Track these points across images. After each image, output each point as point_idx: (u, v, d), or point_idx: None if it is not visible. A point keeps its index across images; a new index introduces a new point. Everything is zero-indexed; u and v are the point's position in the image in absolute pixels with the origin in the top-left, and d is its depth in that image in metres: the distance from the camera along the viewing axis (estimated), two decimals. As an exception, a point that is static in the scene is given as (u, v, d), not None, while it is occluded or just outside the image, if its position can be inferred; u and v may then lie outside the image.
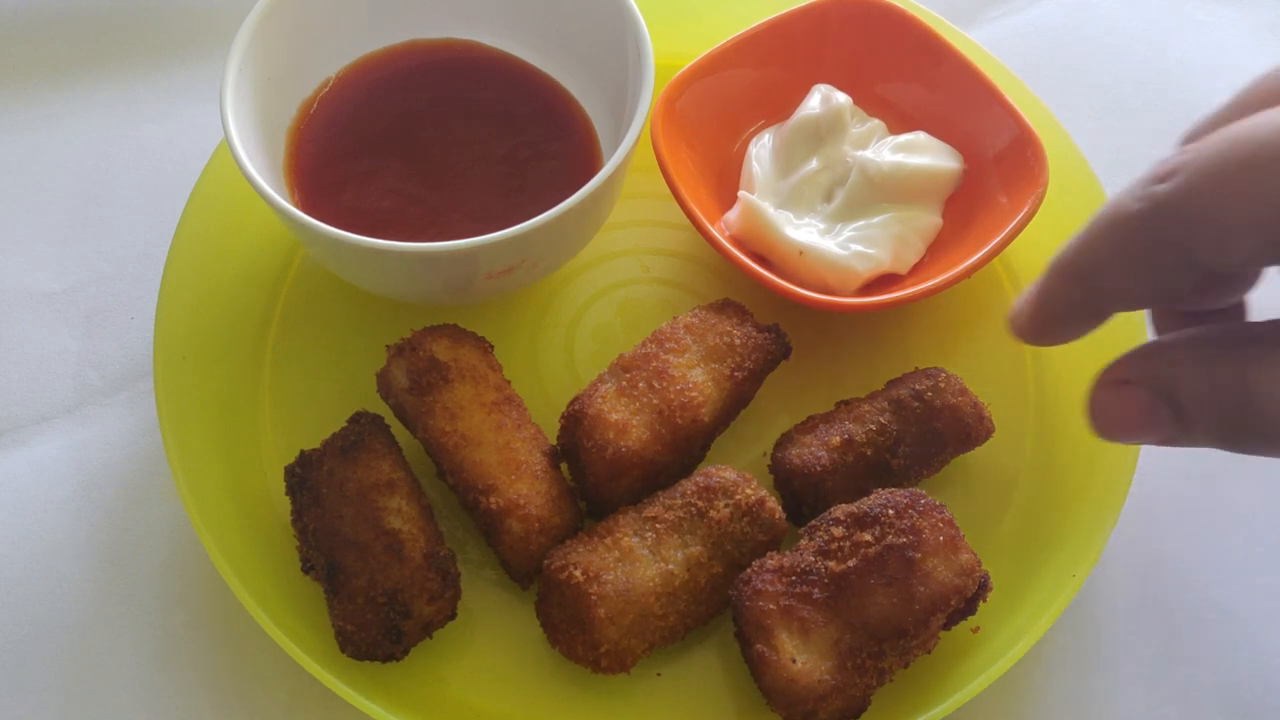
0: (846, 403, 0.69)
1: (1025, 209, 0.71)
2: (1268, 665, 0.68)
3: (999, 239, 0.71)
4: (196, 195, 0.75)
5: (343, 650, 0.61)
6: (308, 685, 0.65)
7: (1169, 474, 0.73)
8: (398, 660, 0.62)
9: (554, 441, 0.67)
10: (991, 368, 0.74)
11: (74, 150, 0.85)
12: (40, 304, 0.79)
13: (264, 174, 0.65)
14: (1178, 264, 0.43)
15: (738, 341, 0.68)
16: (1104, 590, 0.70)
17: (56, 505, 0.72)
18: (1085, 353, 0.73)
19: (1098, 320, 0.48)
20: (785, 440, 0.68)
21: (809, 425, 0.68)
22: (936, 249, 0.76)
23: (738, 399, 0.68)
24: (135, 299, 0.79)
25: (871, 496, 0.62)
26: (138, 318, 0.78)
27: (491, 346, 0.68)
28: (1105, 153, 0.80)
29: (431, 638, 0.64)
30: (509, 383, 0.67)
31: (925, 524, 0.60)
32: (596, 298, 0.77)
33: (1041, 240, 0.75)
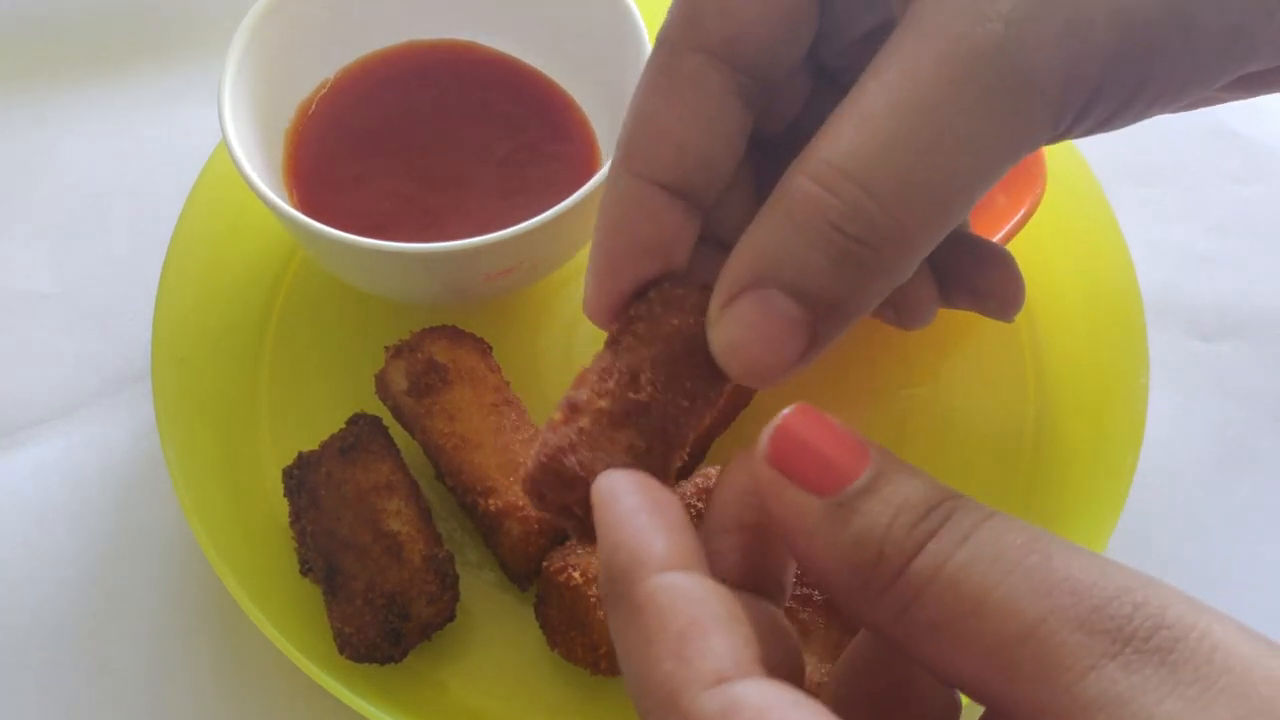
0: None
1: (1024, 209, 0.71)
2: (1268, 665, 0.68)
3: (997, 239, 0.71)
4: (194, 197, 0.75)
5: (341, 652, 0.61)
6: (306, 687, 0.65)
7: (1169, 474, 0.73)
8: (396, 662, 0.62)
9: (553, 443, 0.67)
10: (991, 368, 0.74)
11: (70, 151, 0.85)
12: (36, 306, 0.79)
13: (262, 175, 0.65)
14: None
15: (737, 342, 0.68)
16: (1104, 590, 0.69)
17: (53, 507, 0.72)
18: (1085, 353, 0.74)
19: None
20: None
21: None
22: (935, 249, 0.75)
23: (737, 400, 0.68)
24: (132, 300, 0.78)
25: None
26: (135, 319, 0.78)
27: (490, 348, 0.68)
28: (1105, 153, 0.80)
29: (430, 640, 0.63)
30: (508, 384, 0.67)
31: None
32: (595, 298, 0.76)
33: (1040, 240, 0.75)
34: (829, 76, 0.43)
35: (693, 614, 0.31)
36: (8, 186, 0.84)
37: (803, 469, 0.33)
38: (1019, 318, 0.75)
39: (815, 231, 0.33)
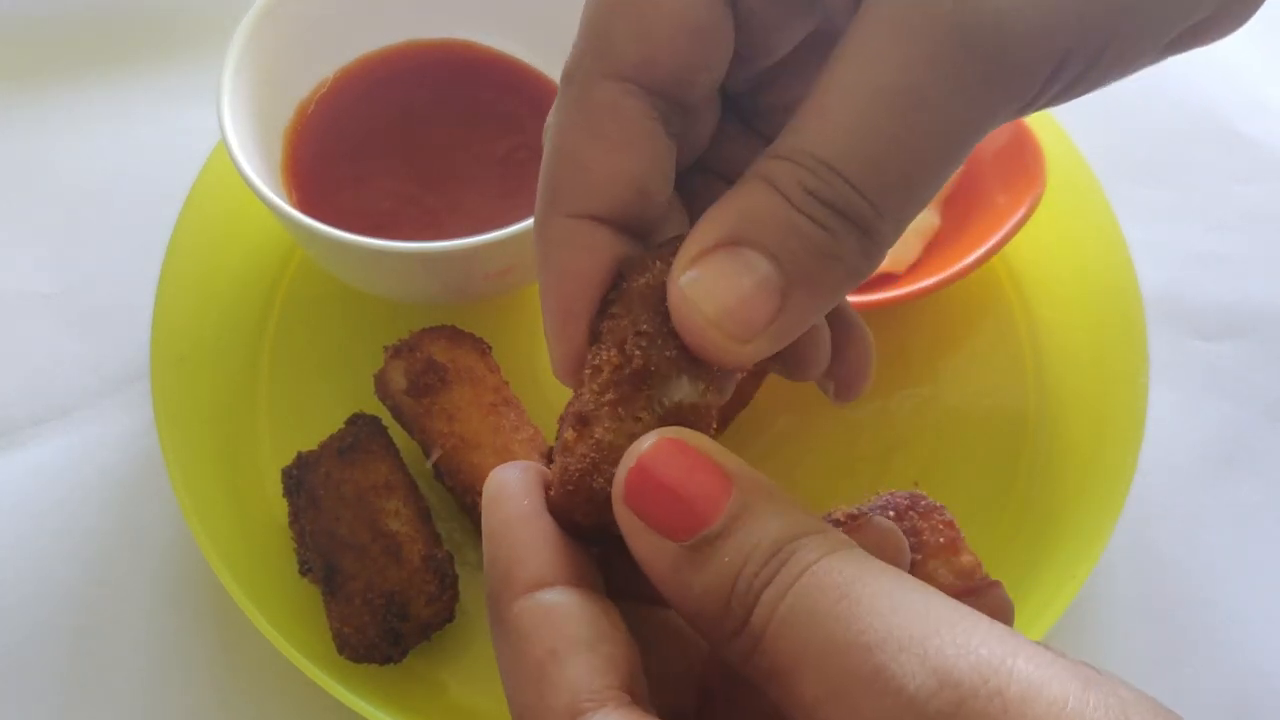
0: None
1: (1024, 208, 0.71)
2: (1268, 665, 0.68)
3: (997, 238, 0.71)
4: (193, 196, 0.75)
5: (340, 653, 0.61)
6: (305, 688, 0.64)
7: (1169, 474, 0.73)
8: (396, 663, 0.62)
9: (552, 443, 0.67)
10: (990, 367, 0.74)
11: (70, 151, 0.85)
12: (36, 306, 0.79)
13: (261, 175, 0.65)
14: None
15: (736, 342, 0.68)
16: (1104, 590, 0.69)
17: (52, 508, 0.72)
18: (1085, 353, 0.74)
19: None
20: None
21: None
22: (934, 248, 0.75)
23: (736, 400, 0.68)
24: (132, 300, 0.78)
25: (871, 499, 0.62)
26: (134, 319, 0.78)
27: (490, 347, 0.68)
28: (1105, 152, 0.80)
29: (430, 640, 0.63)
30: (507, 384, 0.67)
31: (925, 525, 0.60)
32: (595, 298, 0.76)
33: (1040, 239, 0.75)
34: (736, 108, 0.42)
35: (553, 642, 0.32)
36: (8, 186, 0.84)
37: (656, 513, 0.32)
38: (1019, 318, 0.76)
39: (797, 199, 0.33)
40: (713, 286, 0.33)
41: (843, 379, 0.44)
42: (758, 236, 0.33)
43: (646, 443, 0.33)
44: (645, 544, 0.32)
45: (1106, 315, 0.73)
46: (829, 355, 0.43)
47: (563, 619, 0.32)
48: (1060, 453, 0.71)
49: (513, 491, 0.35)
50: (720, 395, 0.36)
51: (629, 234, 0.37)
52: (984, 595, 0.38)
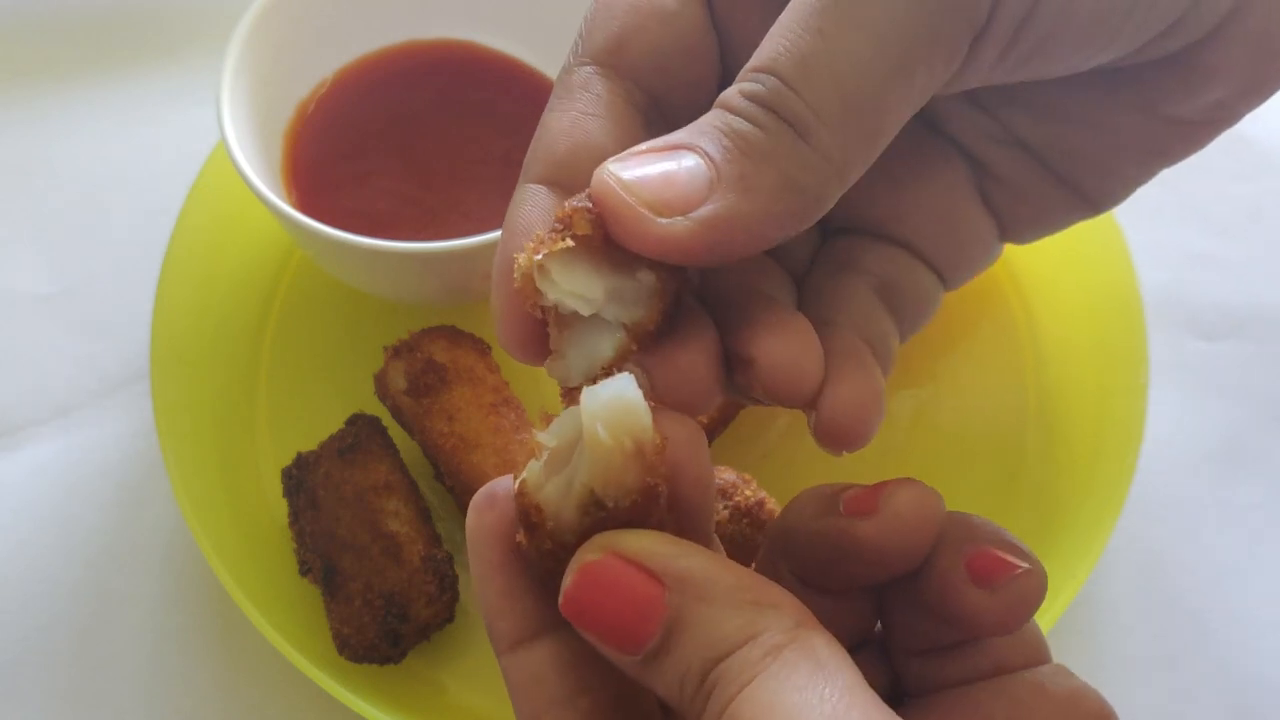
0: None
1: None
2: (1268, 665, 0.68)
3: (998, 239, 0.71)
4: (193, 197, 0.75)
5: (340, 653, 0.61)
6: (305, 688, 0.64)
7: (1169, 474, 0.73)
8: (395, 663, 0.62)
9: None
10: (990, 367, 0.74)
11: (69, 152, 0.85)
12: (35, 306, 0.79)
13: (261, 175, 0.65)
14: None
15: (736, 342, 0.68)
16: (1104, 590, 0.69)
17: (52, 508, 0.72)
18: (1085, 353, 0.74)
19: None
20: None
21: None
22: (935, 249, 0.75)
23: (737, 401, 0.68)
24: (131, 301, 0.78)
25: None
26: (134, 319, 0.78)
27: (489, 348, 0.68)
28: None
29: (429, 640, 0.63)
30: (507, 384, 0.67)
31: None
32: (595, 299, 0.76)
33: (1040, 240, 0.75)
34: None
35: (533, 705, 0.34)
36: (8, 186, 0.84)
37: (597, 635, 0.33)
38: (1019, 318, 0.76)
39: (736, 104, 0.33)
40: (637, 165, 0.33)
41: (824, 418, 0.37)
42: (695, 140, 0.33)
43: (569, 578, 0.33)
44: (603, 651, 0.33)
45: (1106, 315, 0.73)
46: (815, 372, 0.37)
47: (540, 680, 0.34)
48: (1060, 453, 0.71)
49: (486, 537, 0.35)
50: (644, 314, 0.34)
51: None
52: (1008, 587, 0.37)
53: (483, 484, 0.62)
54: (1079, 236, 0.76)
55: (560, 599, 0.33)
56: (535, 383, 0.73)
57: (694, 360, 0.35)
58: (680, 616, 0.32)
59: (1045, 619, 0.64)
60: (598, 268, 0.34)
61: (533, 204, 0.36)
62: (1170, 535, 0.72)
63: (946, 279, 0.42)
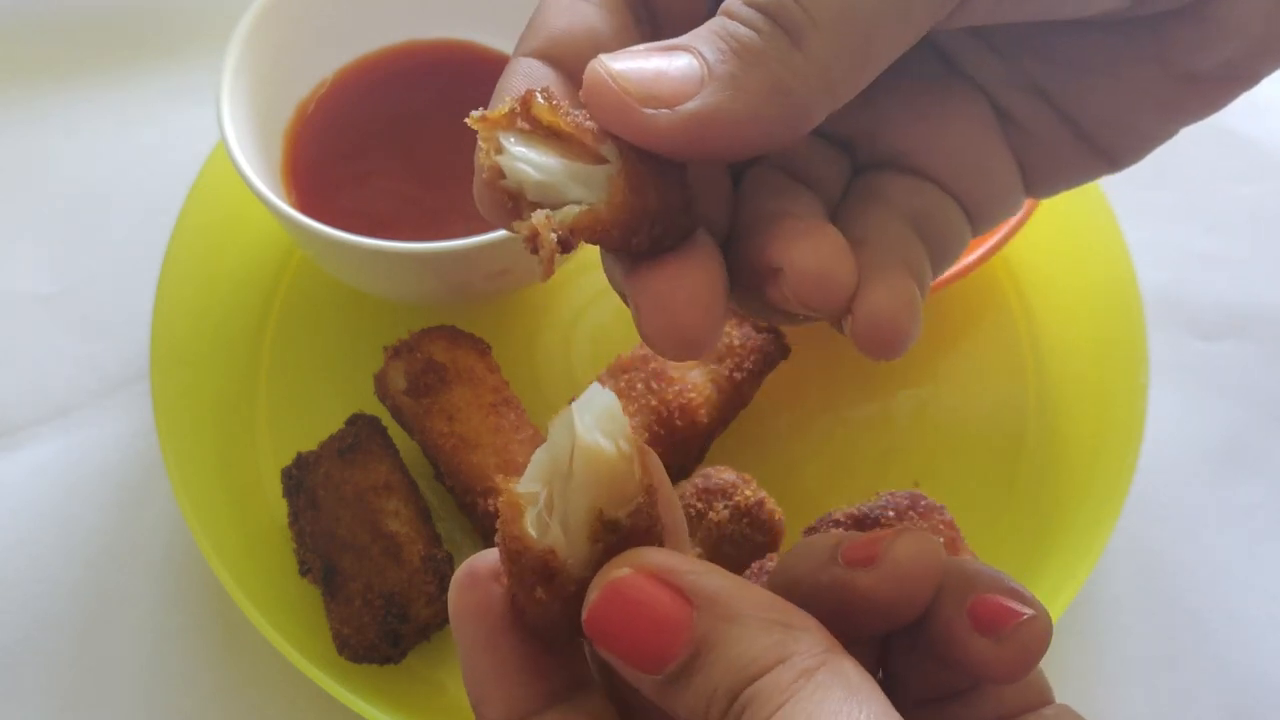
0: None
1: (1023, 208, 0.71)
2: (1268, 665, 0.68)
3: (996, 238, 0.71)
4: (193, 197, 0.75)
5: (340, 653, 0.61)
6: (305, 688, 0.64)
7: (1169, 474, 0.73)
8: (395, 663, 0.62)
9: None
10: (991, 367, 0.74)
11: (69, 152, 0.85)
12: (35, 306, 0.79)
13: (261, 175, 0.65)
14: None
15: (736, 342, 0.68)
16: (1104, 590, 0.69)
17: (52, 507, 0.72)
18: (1085, 353, 0.74)
19: None
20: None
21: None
22: (935, 249, 0.75)
23: (736, 400, 0.68)
24: (131, 301, 0.78)
25: (871, 499, 0.62)
26: (134, 319, 0.78)
27: (489, 348, 0.68)
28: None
29: (429, 640, 0.63)
30: (507, 384, 0.67)
31: (925, 525, 0.60)
32: (594, 299, 0.76)
33: (1040, 239, 0.75)
34: None
35: None
36: (8, 186, 0.84)
37: (620, 654, 0.32)
38: (1019, 318, 0.76)
39: (734, 8, 0.33)
40: (630, 59, 0.33)
41: (861, 320, 0.36)
42: (691, 42, 0.33)
43: (594, 592, 0.33)
44: (623, 672, 0.33)
45: (1106, 315, 0.73)
46: (847, 278, 0.35)
47: None
48: (1060, 453, 0.71)
49: (471, 618, 0.35)
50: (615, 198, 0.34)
51: (565, 70, 0.37)
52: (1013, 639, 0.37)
53: (483, 484, 0.63)
54: (1079, 236, 0.76)
55: (585, 616, 0.33)
56: (535, 382, 0.73)
57: (693, 280, 0.34)
58: (708, 636, 0.32)
59: (1045, 619, 0.64)
60: (559, 150, 0.34)
61: (524, 75, 0.37)
62: (1170, 535, 0.72)
63: (973, 218, 0.42)
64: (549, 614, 0.34)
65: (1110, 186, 0.76)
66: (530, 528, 0.33)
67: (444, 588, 0.61)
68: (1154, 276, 0.75)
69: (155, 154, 0.85)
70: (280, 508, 0.66)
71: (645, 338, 0.34)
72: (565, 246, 0.33)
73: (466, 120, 0.35)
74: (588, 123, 0.34)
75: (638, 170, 0.33)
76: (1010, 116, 0.42)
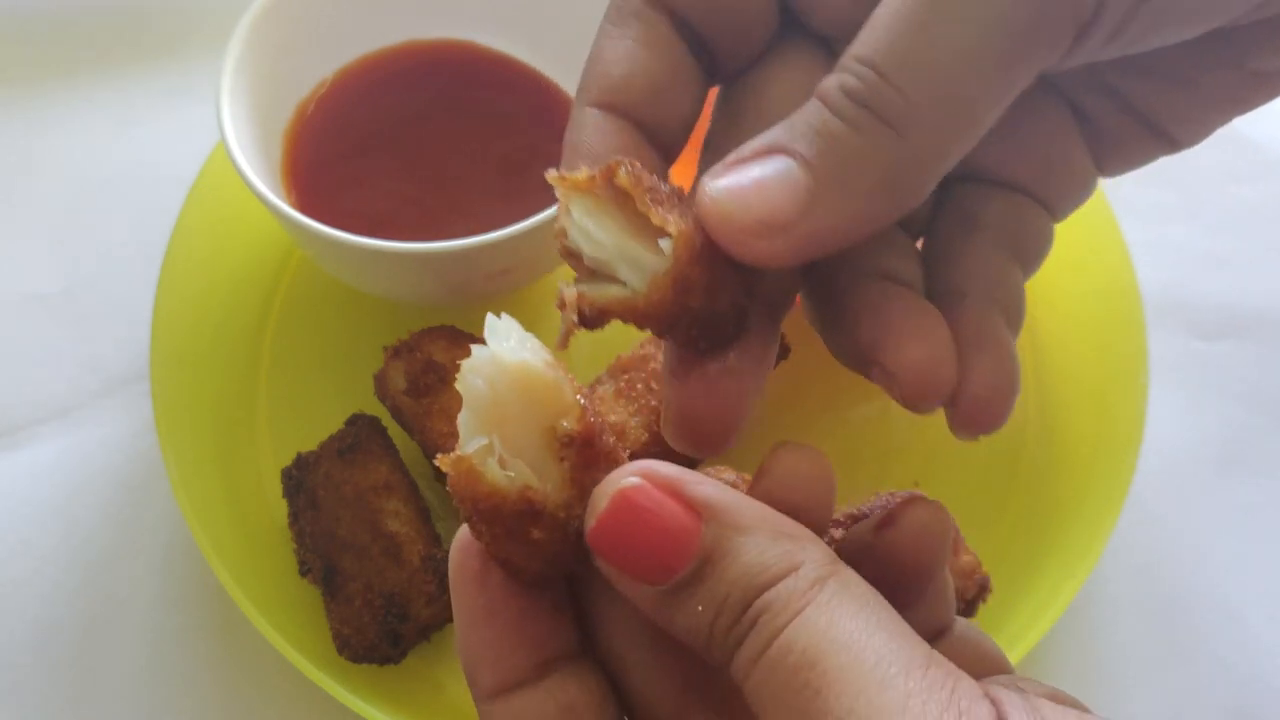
0: None
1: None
2: (1268, 665, 0.68)
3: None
4: (193, 197, 0.75)
5: (340, 653, 0.61)
6: (305, 688, 0.64)
7: (1169, 474, 0.73)
8: (395, 663, 0.62)
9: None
10: (991, 368, 0.74)
11: (69, 151, 0.85)
12: (35, 306, 0.79)
13: (261, 175, 0.65)
14: None
15: (736, 342, 0.68)
16: (1104, 590, 0.69)
17: (52, 507, 0.72)
18: (1085, 353, 0.74)
19: None
20: None
21: None
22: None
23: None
24: (131, 301, 0.78)
25: (871, 499, 0.62)
26: (134, 319, 0.78)
27: (489, 348, 0.68)
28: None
29: (429, 640, 0.63)
30: (507, 384, 0.67)
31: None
32: (595, 299, 0.76)
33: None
34: (796, 19, 0.42)
35: None
36: (8, 186, 0.84)
37: (626, 563, 0.32)
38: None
39: (834, 100, 0.33)
40: (729, 175, 0.33)
41: (963, 411, 0.37)
42: (790, 142, 0.33)
43: (602, 502, 0.33)
44: (625, 586, 0.33)
45: (1106, 315, 0.73)
46: (952, 376, 0.36)
47: None
48: (1060, 453, 0.71)
49: (466, 577, 0.35)
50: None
51: (645, 132, 0.38)
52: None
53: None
54: (1079, 236, 0.76)
55: (590, 529, 0.33)
56: (535, 383, 0.73)
57: (722, 399, 0.36)
58: (717, 545, 0.32)
59: (1045, 619, 0.64)
60: (622, 223, 0.34)
61: (593, 127, 0.37)
62: (1170, 535, 0.72)
63: (1054, 211, 0.43)
64: (547, 552, 0.34)
65: (1110, 187, 0.76)
66: (497, 479, 0.33)
67: (444, 588, 0.61)
68: (1154, 276, 0.75)
69: (155, 153, 0.85)
70: (280, 508, 0.66)
71: (666, 436, 0.37)
72: (589, 324, 0.35)
73: (547, 176, 0.35)
74: (665, 201, 0.34)
75: (689, 273, 0.33)
76: (1085, 114, 0.42)
